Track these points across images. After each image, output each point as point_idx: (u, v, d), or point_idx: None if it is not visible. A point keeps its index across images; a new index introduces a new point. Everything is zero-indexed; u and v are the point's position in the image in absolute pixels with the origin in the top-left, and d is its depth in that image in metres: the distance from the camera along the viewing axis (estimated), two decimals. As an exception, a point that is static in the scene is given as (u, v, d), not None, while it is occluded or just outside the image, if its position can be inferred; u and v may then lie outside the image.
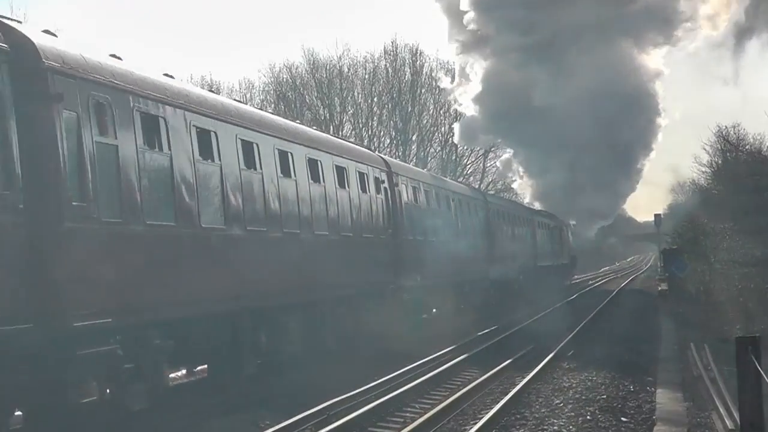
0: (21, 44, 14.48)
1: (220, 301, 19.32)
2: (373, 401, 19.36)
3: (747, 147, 52.20)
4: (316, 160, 25.40)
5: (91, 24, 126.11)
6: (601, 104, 71.16)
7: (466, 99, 78.25)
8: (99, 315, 15.02)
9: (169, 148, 17.66)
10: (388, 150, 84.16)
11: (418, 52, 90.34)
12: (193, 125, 18.73)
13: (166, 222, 17.43)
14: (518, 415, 18.41)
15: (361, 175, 29.23)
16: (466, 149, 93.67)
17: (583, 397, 20.30)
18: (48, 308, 14.05)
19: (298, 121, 34.57)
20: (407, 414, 19.17)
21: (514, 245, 54.33)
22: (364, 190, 29.19)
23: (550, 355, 26.78)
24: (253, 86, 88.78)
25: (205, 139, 19.18)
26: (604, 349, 28.91)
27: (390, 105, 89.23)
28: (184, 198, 18.00)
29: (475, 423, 17.28)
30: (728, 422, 16.89)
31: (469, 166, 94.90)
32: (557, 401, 19.91)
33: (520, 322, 38.46)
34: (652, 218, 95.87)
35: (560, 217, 76.88)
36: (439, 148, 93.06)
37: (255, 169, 21.36)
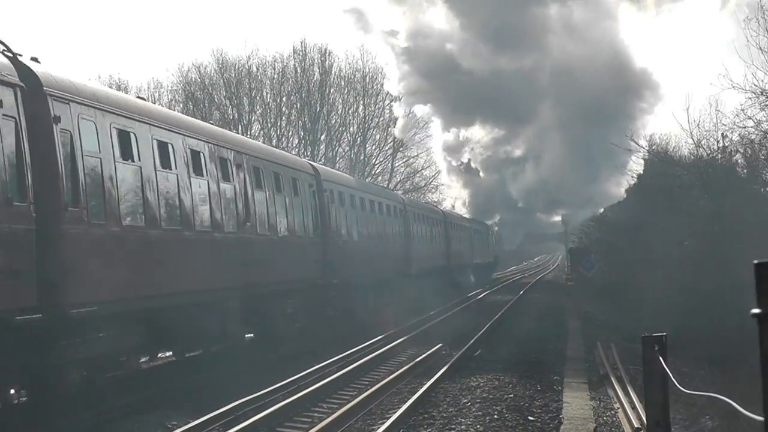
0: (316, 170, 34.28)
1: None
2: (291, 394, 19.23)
3: (654, 147, 52.73)
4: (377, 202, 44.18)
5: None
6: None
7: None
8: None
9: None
10: (296, 150, 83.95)
11: (327, 52, 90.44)
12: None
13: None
14: (426, 415, 18.34)
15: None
16: (375, 148, 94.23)
17: (491, 397, 20.29)
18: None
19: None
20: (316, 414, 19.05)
21: (461, 246, 73.56)
22: (390, 214, 47.65)
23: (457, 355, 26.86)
24: (161, 86, 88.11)
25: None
26: (511, 348, 28.98)
27: (299, 105, 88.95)
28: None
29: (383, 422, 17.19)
30: (635, 421, 16.93)
31: (377, 165, 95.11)
32: (465, 400, 19.86)
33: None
34: (559, 217, 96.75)
35: (487, 223, 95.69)
36: (347, 148, 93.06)
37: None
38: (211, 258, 22.91)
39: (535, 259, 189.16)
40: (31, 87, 16.33)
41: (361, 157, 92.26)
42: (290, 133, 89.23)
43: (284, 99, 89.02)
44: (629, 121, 72.57)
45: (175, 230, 21.06)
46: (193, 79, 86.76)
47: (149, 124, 20.32)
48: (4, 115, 15.37)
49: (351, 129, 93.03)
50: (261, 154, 28.49)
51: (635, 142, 47.66)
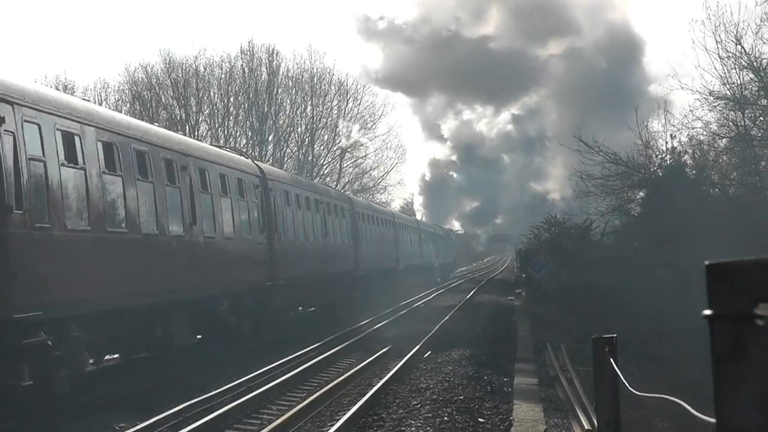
0: (350, 200, 54.45)
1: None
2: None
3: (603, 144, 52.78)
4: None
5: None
6: None
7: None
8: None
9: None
10: (245, 150, 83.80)
11: (275, 52, 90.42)
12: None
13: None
14: (375, 417, 18.34)
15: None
16: (323, 149, 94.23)
17: (441, 398, 20.28)
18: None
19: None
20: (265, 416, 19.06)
21: (430, 249, 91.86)
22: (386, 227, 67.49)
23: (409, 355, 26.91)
24: (108, 86, 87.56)
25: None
26: (461, 349, 28.98)
27: (246, 105, 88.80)
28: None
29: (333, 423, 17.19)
30: (585, 422, 17.02)
31: (325, 166, 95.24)
32: (415, 402, 19.86)
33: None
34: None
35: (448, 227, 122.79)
36: (295, 149, 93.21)
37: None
38: (314, 256, 41.29)
39: (485, 260, 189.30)
40: (262, 175, 34.48)
41: (309, 158, 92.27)
42: (238, 133, 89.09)
43: (232, 99, 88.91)
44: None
45: (302, 241, 39.25)
46: (140, 79, 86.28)
47: (305, 189, 42.11)
48: (257, 191, 33.25)
49: (299, 129, 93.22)
50: (328, 194, 48.50)
51: (584, 142, 47.74)
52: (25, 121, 17.69)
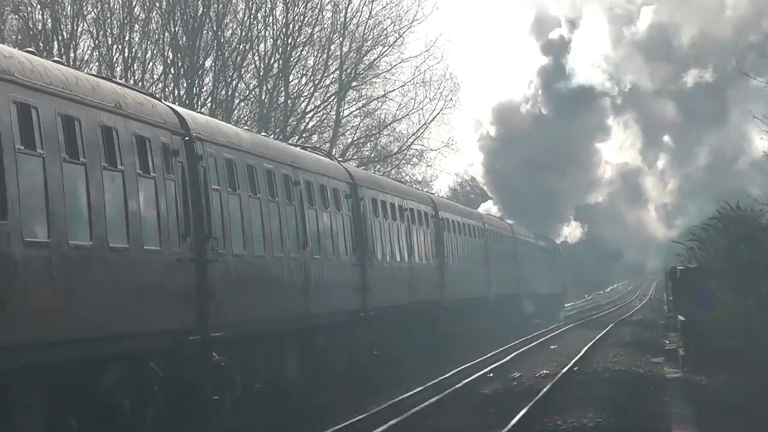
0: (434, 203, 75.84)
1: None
2: None
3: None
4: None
5: None
6: None
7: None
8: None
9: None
10: (161, 86, 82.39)
11: None
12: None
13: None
14: None
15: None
16: (307, 84, 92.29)
17: None
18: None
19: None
20: None
21: (531, 271, 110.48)
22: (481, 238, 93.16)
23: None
24: None
25: None
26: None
27: (163, 4, 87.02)
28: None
29: None
30: None
31: (310, 115, 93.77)
32: None
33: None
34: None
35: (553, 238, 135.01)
36: (254, 83, 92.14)
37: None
38: (401, 281, 57.52)
39: (608, 290, 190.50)
40: (352, 181, 50.70)
41: (280, 100, 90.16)
42: (149, 56, 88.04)
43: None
44: None
45: (389, 262, 54.67)
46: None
47: (389, 193, 58.71)
48: (349, 201, 48.98)
49: (261, 48, 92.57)
50: (410, 195, 65.27)
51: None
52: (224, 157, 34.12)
